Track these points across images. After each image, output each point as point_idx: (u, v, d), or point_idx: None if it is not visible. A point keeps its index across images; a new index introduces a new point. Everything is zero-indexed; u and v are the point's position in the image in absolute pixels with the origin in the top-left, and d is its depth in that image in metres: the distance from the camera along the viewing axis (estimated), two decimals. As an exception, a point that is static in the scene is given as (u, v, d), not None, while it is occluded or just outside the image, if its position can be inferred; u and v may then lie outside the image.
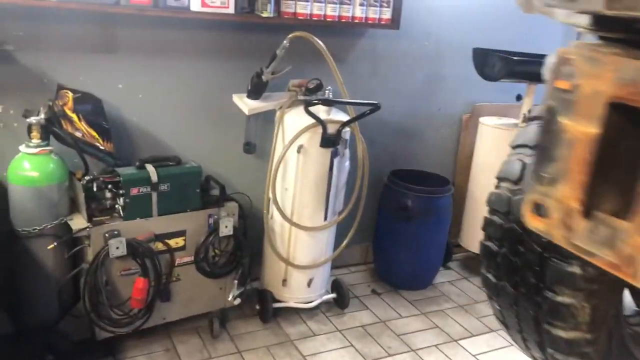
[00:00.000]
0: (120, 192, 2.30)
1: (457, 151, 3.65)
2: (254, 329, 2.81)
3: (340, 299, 3.05)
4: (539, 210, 0.98)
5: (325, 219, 2.76)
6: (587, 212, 0.94)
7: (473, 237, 3.50)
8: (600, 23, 0.89)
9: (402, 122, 3.38)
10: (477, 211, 3.43)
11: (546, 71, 0.93)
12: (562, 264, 1.28)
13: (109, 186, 2.31)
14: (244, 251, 2.65)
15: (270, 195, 2.72)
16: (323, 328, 2.89)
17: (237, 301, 2.70)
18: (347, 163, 2.77)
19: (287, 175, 2.70)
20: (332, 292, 3.06)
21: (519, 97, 3.28)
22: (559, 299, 1.30)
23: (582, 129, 0.91)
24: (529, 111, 3.22)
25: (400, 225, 3.19)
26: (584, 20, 0.89)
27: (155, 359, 2.51)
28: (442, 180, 3.31)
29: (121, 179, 2.30)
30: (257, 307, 2.89)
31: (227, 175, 2.83)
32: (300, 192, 2.70)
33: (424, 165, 3.44)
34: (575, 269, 1.26)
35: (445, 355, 2.77)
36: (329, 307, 3.05)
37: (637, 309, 1.58)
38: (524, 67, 3.04)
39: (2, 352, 2.22)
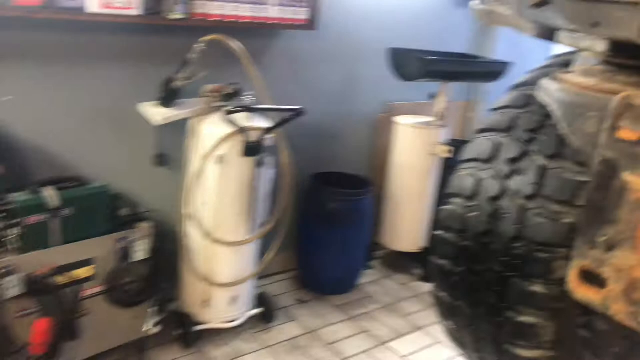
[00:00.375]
0: (14, 221, 1.99)
1: (374, 151, 3.62)
2: (175, 356, 2.59)
3: (267, 313, 2.90)
4: (590, 278, 0.88)
5: (250, 232, 2.59)
6: None
7: (393, 235, 3.51)
8: (619, 49, 0.80)
9: (321, 125, 3.29)
10: (395, 210, 3.44)
11: (546, 97, 0.85)
12: (524, 283, 1.24)
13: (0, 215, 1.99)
14: (160, 275, 2.42)
15: (187, 210, 2.51)
16: (250, 347, 2.73)
17: (156, 329, 2.47)
18: (271, 172, 2.62)
19: (206, 188, 2.49)
20: (257, 307, 2.90)
21: (431, 96, 3.30)
22: (522, 318, 1.25)
23: None
24: (444, 109, 3.26)
25: (324, 230, 3.10)
26: (600, 45, 0.80)
27: (66, 406, 2.23)
28: (362, 181, 3.26)
29: (14, 206, 1.98)
30: (178, 332, 2.66)
31: (138, 192, 2.58)
32: (221, 206, 2.51)
33: (343, 167, 3.37)
34: (539, 288, 1.22)
35: (377, 359, 2.74)
36: (255, 322, 2.90)
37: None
38: (439, 67, 3.06)
39: None
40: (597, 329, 1.58)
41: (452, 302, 1.44)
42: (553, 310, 1.23)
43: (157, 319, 2.47)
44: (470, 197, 1.35)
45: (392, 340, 2.91)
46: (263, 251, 2.80)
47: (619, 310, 0.83)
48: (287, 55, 3.00)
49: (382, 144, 3.55)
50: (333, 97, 3.30)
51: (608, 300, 0.87)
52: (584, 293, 0.88)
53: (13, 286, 1.95)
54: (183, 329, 2.64)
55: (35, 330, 2.02)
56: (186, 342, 2.63)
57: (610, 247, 0.84)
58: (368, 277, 3.50)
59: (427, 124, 3.30)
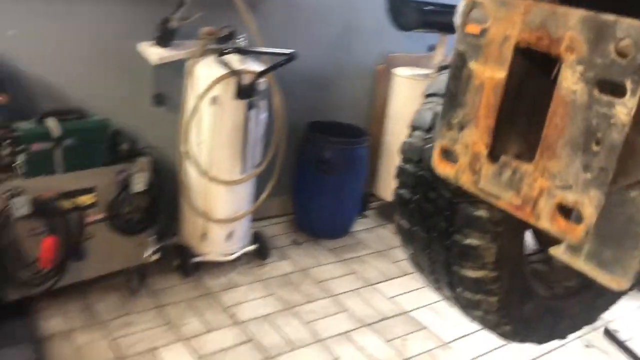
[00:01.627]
0: (20, 148, 2.15)
1: (372, 102, 3.69)
2: (174, 283, 2.78)
3: (261, 250, 3.07)
4: (448, 155, 1.02)
5: (243, 172, 2.73)
6: (494, 156, 0.97)
7: (387, 186, 3.58)
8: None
9: (318, 73, 3.36)
10: (391, 161, 3.51)
11: (457, 17, 0.94)
12: (470, 209, 1.34)
13: (7, 142, 2.15)
14: (159, 207, 2.58)
15: (184, 149, 2.64)
16: (245, 279, 2.90)
17: (155, 257, 2.65)
18: (264, 115, 2.73)
19: (202, 128, 2.62)
20: (253, 244, 3.06)
21: (431, 48, 3.34)
22: (468, 241, 1.37)
23: (489, 74, 0.93)
24: (442, 61, 3.30)
25: (319, 177, 3.22)
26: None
27: (72, 318, 2.44)
28: (359, 131, 3.35)
29: (19, 133, 2.14)
30: (177, 262, 2.85)
31: (138, 129, 2.72)
32: (216, 146, 2.64)
33: (340, 117, 3.45)
34: (483, 213, 1.33)
35: (364, 298, 2.88)
36: (250, 258, 3.07)
37: (537, 247, 1.71)
38: (436, 17, 3.09)
39: None
40: (553, 265, 1.70)
41: (410, 228, 1.55)
42: (494, 233, 1.34)
43: (157, 248, 2.65)
44: (428, 130, 1.45)
45: (380, 282, 3.05)
46: (259, 192, 2.94)
47: (466, 180, 1.00)
48: (285, 1, 3.04)
49: (381, 96, 3.62)
50: (331, 45, 3.35)
51: (458, 172, 1.03)
52: (442, 168, 1.04)
53: (21, 206, 2.13)
54: (182, 259, 2.82)
55: (44, 246, 2.22)
56: (185, 272, 2.82)
57: (461, 127, 0.99)
58: (362, 225, 3.63)
59: (426, 76, 3.35)
